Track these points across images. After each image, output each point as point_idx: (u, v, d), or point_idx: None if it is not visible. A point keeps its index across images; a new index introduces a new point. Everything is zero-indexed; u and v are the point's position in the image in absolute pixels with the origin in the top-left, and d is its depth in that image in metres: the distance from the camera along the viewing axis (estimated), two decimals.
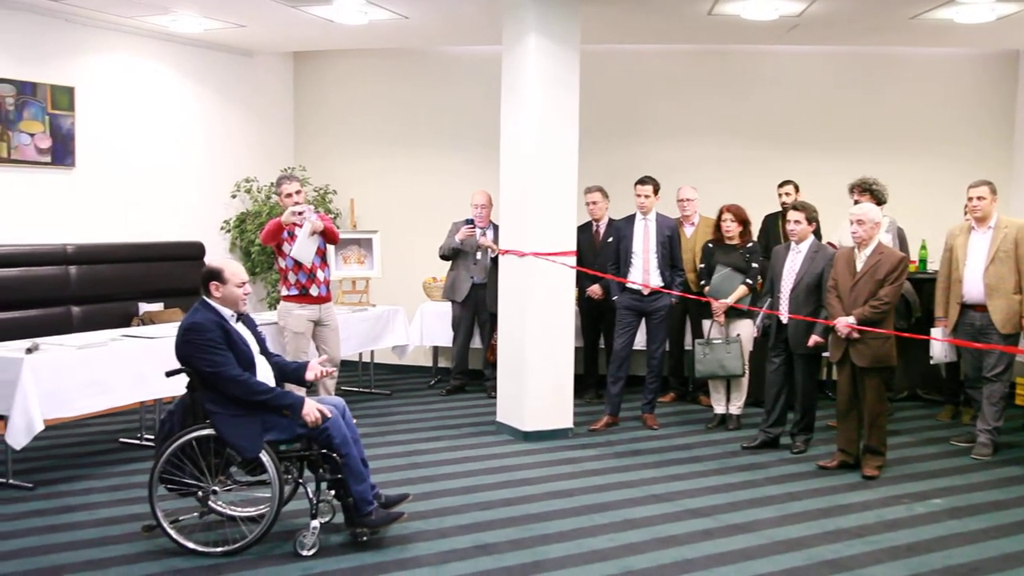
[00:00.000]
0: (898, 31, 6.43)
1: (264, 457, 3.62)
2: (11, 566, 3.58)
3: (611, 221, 6.46)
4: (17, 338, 4.90)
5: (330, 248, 5.85)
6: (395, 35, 7.03)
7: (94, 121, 6.54)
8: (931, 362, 5.71)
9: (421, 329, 7.16)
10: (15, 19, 6.03)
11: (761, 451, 5.39)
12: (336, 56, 8.05)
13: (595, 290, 6.43)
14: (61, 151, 6.32)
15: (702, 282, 5.95)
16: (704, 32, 6.70)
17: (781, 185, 6.53)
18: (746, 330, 5.77)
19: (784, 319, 5.25)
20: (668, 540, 3.96)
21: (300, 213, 5.33)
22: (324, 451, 3.71)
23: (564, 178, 5.60)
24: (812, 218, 5.28)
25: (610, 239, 6.22)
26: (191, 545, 3.69)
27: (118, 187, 6.72)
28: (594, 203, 6.55)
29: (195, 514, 3.78)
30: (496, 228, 6.47)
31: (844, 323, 4.81)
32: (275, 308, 6.08)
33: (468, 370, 7.09)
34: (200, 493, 3.71)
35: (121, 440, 5.48)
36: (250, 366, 3.73)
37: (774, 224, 6.53)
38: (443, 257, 6.88)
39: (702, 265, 6.00)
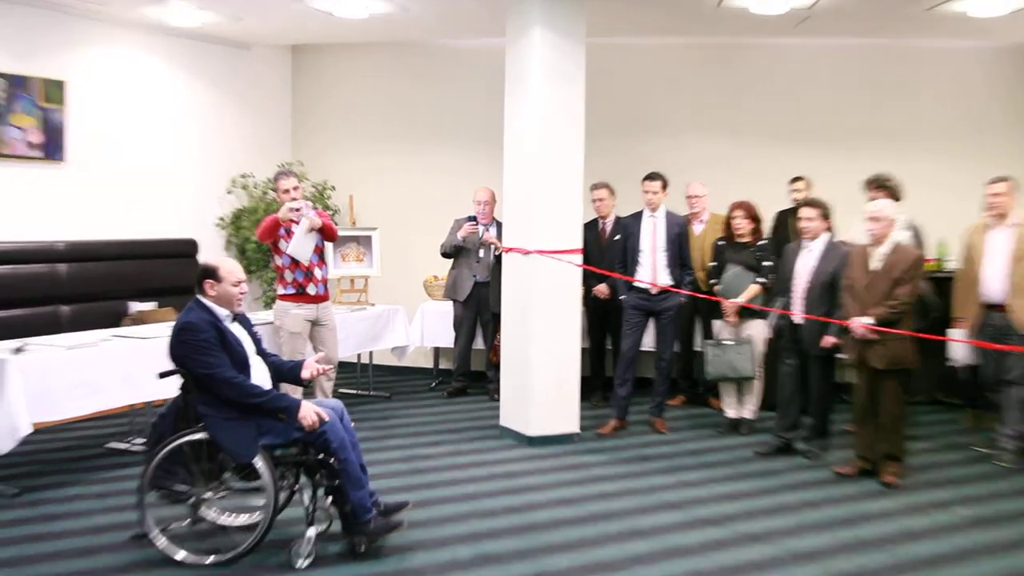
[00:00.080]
0: (911, 24, 6.38)
1: (259, 462, 3.57)
2: None
3: (618, 218, 6.45)
4: (4, 338, 4.84)
5: (328, 246, 5.88)
6: (396, 28, 6.99)
7: (86, 115, 6.50)
8: (951, 364, 5.64)
9: (422, 329, 7.16)
10: (5, 11, 5.97)
11: (775, 457, 5.35)
12: (335, 50, 8.05)
13: (602, 289, 6.41)
14: (52, 146, 6.27)
15: (712, 281, 5.91)
16: (713, 25, 6.65)
17: (793, 181, 6.51)
18: (758, 331, 5.71)
19: (798, 319, 5.20)
20: (678, 550, 3.90)
21: (297, 210, 5.33)
22: (321, 456, 3.66)
23: (569, 174, 5.58)
24: (825, 215, 5.25)
25: (617, 237, 6.20)
26: (181, 555, 3.63)
27: (110, 182, 6.69)
28: (600, 200, 6.56)
29: (186, 522, 3.72)
30: (499, 225, 6.47)
31: (860, 323, 4.74)
32: (271, 307, 6.06)
33: (470, 372, 7.08)
34: (192, 500, 3.65)
35: (108, 446, 5.42)
36: (244, 367, 3.69)
37: (786, 221, 6.47)
38: (444, 255, 6.86)
39: (712, 263, 5.96)
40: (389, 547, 3.83)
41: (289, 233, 5.38)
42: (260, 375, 3.78)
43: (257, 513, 3.77)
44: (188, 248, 7.01)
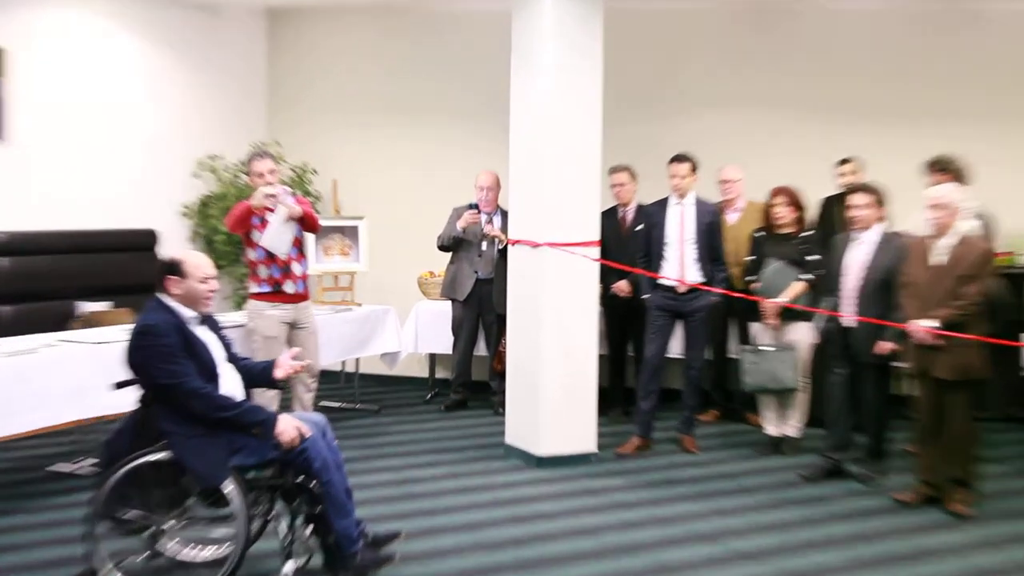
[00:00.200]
0: None
1: (229, 486, 3.54)
2: None
3: (640, 206, 6.47)
4: None
5: (309, 237, 5.91)
6: None
7: (29, 88, 6.50)
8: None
9: (416, 333, 7.18)
10: None
11: (823, 482, 5.32)
12: (317, 14, 8.09)
13: (622, 287, 6.42)
14: None
15: (749, 278, 5.90)
16: None
17: (841, 163, 6.49)
18: (803, 335, 5.71)
19: (848, 322, 5.18)
20: None
21: (273, 196, 5.33)
22: (301, 478, 3.65)
23: (585, 156, 5.58)
24: (879, 201, 5.24)
25: (639, 227, 6.19)
26: None
27: (57, 165, 6.68)
28: (620, 185, 6.57)
29: (143, 556, 3.67)
30: (505, 214, 6.47)
31: (921, 327, 4.71)
32: (243, 308, 6.07)
33: (471, 382, 7.10)
34: (150, 531, 3.61)
35: (52, 468, 5.40)
36: (213, 376, 3.69)
37: (834, 209, 6.43)
38: (442, 248, 6.89)
39: (750, 258, 5.94)
40: None
41: (264, 223, 5.37)
42: (231, 384, 3.77)
43: (226, 546, 3.72)
44: (147, 240, 7.01)
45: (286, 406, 5.54)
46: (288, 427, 3.59)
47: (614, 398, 6.72)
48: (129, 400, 3.68)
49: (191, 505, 3.65)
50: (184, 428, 3.54)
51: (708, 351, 6.31)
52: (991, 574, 4.07)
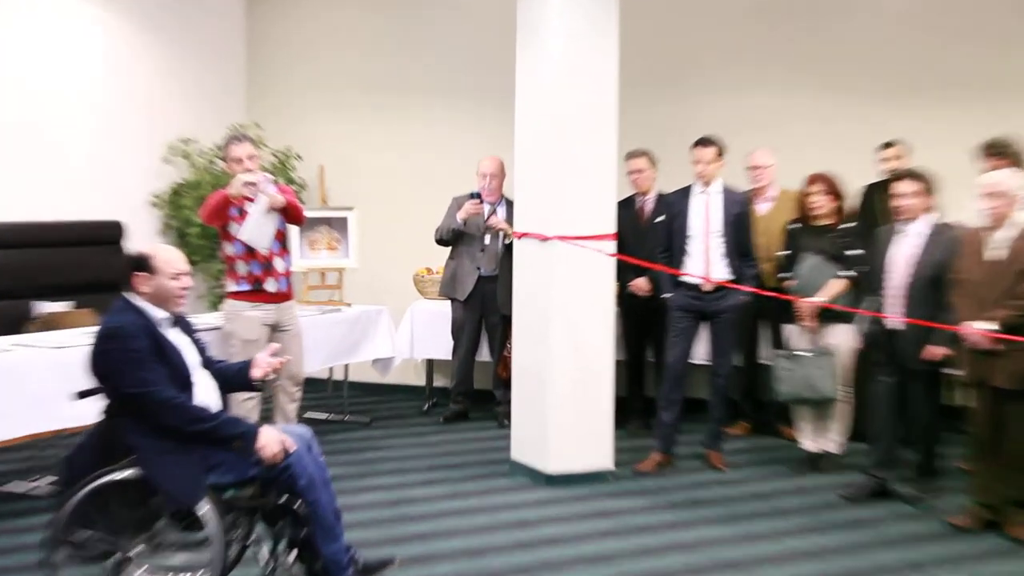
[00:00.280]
0: None
1: (204, 507, 3.51)
2: None
3: (661, 195, 6.51)
4: None
5: (293, 230, 5.91)
6: None
7: None
8: None
9: (411, 336, 7.21)
10: None
11: (867, 503, 5.32)
12: None
13: (640, 285, 6.45)
14: None
15: (783, 275, 5.91)
16: None
17: (884, 147, 6.50)
18: (843, 339, 5.71)
19: (894, 324, 5.18)
20: None
21: (253, 184, 5.35)
22: (285, 498, 3.65)
23: (599, 141, 5.61)
24: (928, 189, 5.25)
25: (660, 218, 6.23)
26: None
27: (11, 151, 6.66)
28: (639, 172, 6.60)
29: None
30: (510, 204, 6.47)
31: (977, 330, 4.70)
32: (219, 308, 6.07)
33: (473, 391, 7.13)
34: (115, 557, 3.58)
35: (5, 488, 5.40)
36: (187, 384, 3.68)
37: (877, 197, 6.44)
38: (441, 242, 6.93)
39: (784, 252, 5.94)
40: None
41: (243, 214, 5.38)
42: (206, 393, 3.76)
43: (200, 574, 3.68)
44: (112, 233, 7.01)
45: (267, 417, 5.57)
46: (271, 441, 3.57)
47: (632, 409, 6.74)
48: (92, 411, 3.66)
49: (161, 529, 3.62)
50: (154, 443, 3.52)
51: (737, 356, 6.31)
52: None
